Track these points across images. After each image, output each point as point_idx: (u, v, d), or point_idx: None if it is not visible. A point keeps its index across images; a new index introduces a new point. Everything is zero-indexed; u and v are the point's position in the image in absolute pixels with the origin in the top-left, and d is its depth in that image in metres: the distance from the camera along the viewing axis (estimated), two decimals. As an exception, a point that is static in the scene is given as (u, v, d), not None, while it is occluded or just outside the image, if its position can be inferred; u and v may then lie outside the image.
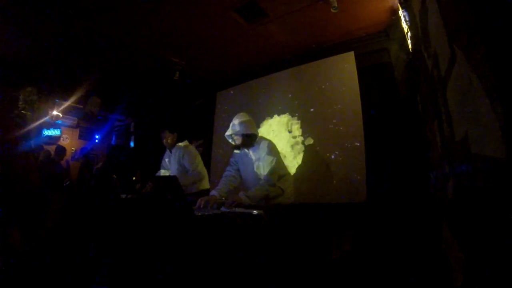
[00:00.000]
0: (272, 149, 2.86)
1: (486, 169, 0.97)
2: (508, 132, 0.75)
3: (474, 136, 1.04)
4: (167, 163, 4.05)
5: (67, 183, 5.76)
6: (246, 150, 2.99)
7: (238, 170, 3.10)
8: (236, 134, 2.90)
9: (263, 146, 2.87)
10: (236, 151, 3.09)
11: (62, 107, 7.05)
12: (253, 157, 2.95)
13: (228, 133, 2.99)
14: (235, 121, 2.90)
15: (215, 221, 1.90)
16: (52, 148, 6.27)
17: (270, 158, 2.79)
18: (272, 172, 2.72)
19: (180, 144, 3.98)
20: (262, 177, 2.82)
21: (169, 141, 3.89)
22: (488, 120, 0.86)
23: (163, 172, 4.04)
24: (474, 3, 0.92)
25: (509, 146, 0.74)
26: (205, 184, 3.99)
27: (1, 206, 2.48)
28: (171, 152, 3.98)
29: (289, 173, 3.12)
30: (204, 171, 3.97)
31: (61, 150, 6.18)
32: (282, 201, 2.84)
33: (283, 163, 3.12)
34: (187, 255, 1.57)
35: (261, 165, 2.85)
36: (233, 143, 3.04)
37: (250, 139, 2.91)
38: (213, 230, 1.80)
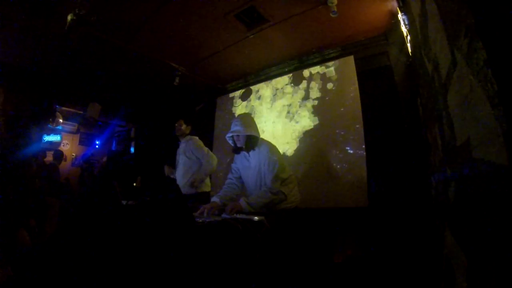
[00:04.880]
0: (274, 153, 2.78)
1: (488, 174, 0.96)
2: (510, 138, 0.74)
3: (476, 141, 1.04)
4: (178, 158, 4.15)
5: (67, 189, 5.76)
6: (246, 153, 2.91)
7: (240, 177, 3.05)
8: (237, 134, 2.82)
9: (264, 149, 2.79)
10: (236, 155, 3.06)
11: (63, 113, 7.06)
12: (254, 161, 2.87)
13: (229, 134, 2.90)
14: (237, 121, 2.84)
15: (216, 228, 1.89)
16: (50, 154, 6.28)
17: (272, 163, 2.70)
18: (274, 178, 2.65)
19: (190, 136, 4.10)
20: (263, 182, 2.76)
21: (181, 129, 4.04)
22: (490, 126, 0.86)
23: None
24: (475, 8, 0.92)
25: (511, 152, 0.74)
26: (207, 187, 4.02)
27: (7, 209, 2.49)
28: (179, 144, 4.12)
29: (292, 175, 3.04)
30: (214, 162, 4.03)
31: (59, 155, 6.18)
32: (285, 206, 2.77)
33: (285, 165, 3.07)
34: (188, 262, 1.56)
35: (263, 170, 2.77)
36: (233, 145, 2.98)
37: (251, 141, 2.82)
38: (214, 237, 1.80)
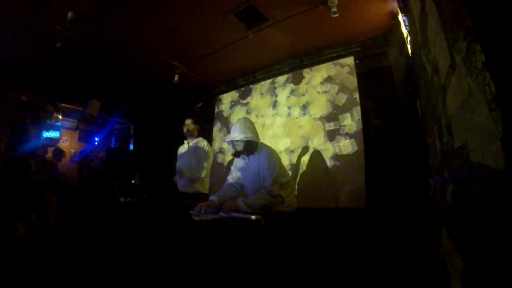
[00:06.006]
0: (273, 157, 2.80)
1: (485, 177, 0.96)
2: (507, 142, 0.74)
3: (474, 144, 1.03)
4: (180, 156, 4.08)
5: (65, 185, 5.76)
6: (246, 157, 2.93)
7: (239, 180, 3.06)
8: (237, 140, 2.83)
9: (264, 154, 2.81)
10: (236, 158, 3.06)
11: (62, 109, 7.05)
12: (253, 165, 2.88)
13: (229, 139, 2.92)
14: (236, 127, 2.84)
15: (212, 226, 1.89)
16: (51, 150, 6.26)
17: (271, 167, 2.72)
18: (274, 182, 2.67)
19: (202, 138, 4.02)
20: (262, 186, 2.76)
21: (190, 129, 3.95)
22: (488, 129, 0.86)
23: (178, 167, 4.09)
24: (474, 10, 0.92)
25: (509, 156, 0.74)
26: (205, 188, 4.01)
27: (5, 204, 2.50)
28: (188, 144, 4.02)
29: (291, 180, 3.06)
30: (209, 173, 4.00)
31: (59, 152, 6.17)
32: (282, 209, 2.78)
33: (285, 170, 3.07)
34: (185, 260, 1.57)
35: (262, 174, 2.77)
36: (233, 149, 2.98)
37: (251, 146, 2.84)
38: (210, 235, 1.80)
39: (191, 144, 3.98)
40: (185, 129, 3.98)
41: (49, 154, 6.38)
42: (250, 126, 2.89)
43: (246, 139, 2.79)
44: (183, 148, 4.09)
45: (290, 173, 3.28)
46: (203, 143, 3.95)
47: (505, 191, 0.80)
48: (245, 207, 2.49)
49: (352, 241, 3.57)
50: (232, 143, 2.93)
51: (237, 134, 2.81)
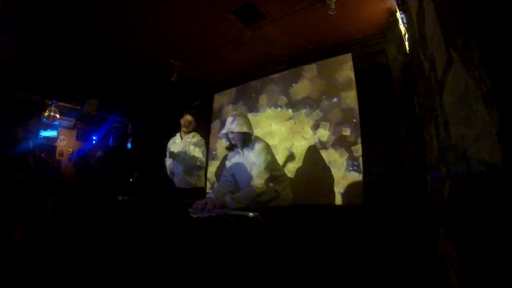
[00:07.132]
0: (264, 151, 2.82)
1: (482, 173, 0.97)
2: (504, 137, 0.75)
3: (470, 140, 1.04)
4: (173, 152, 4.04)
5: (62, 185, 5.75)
6: (240, 150, 2.96)
7: (233, 174, 3.07)
8: (231, 132, 2.86)
9: (257, 147, 2.83)
10: (230, 151, 3.08)
11: (60, 108, 7.04)
12: (247, 158, 2.91)
13: (223, 131, 2.94)
14: (231, 119, 2.86)
15: (210, 224, 1.89)
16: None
17: (261, 160, 2.75)
18: (260, 173, 2.69)
19: (195, 133, 4.09)
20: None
21: (188, 124, 4.02)
22: (484, 125, 0.86)
23: (168, 162, 4.06)
24: (470, 7, 0.92)
25: (505, 152, 0.74)
26: (202, 182, 4.04)
27: (2, 206, 2.48)
28: (182, 138, 4.06)
29: (284, 174, 3.11)
30: (204, 166, 4.06)
31: (50, 148, 6.15)
32: (278, 203, 2.81)
33: (277, 164, 3.09)
34: (183, 257, 1.57)
35: (254, 167, 2.81)
36: (227, 142, 3.00)
37: (245, 138, 2.87)
38: (208, 232, 1.80)
39: (184, 138, 4.00)
40: (183, 122, 4.02)
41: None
42: (244, 119, 2.91)
43: (240, 131, 2.81)
44: (176, 143, 4.10)
45: (285, 170, 3.30)
46: (197, 137, 3.99)
47: (502, 186, 0.80)
48: (231, 202, 2.49)
49: (350, 238, 3.58)
50: (227, 135, 2.94)
51: (233, 126, 2.82)
